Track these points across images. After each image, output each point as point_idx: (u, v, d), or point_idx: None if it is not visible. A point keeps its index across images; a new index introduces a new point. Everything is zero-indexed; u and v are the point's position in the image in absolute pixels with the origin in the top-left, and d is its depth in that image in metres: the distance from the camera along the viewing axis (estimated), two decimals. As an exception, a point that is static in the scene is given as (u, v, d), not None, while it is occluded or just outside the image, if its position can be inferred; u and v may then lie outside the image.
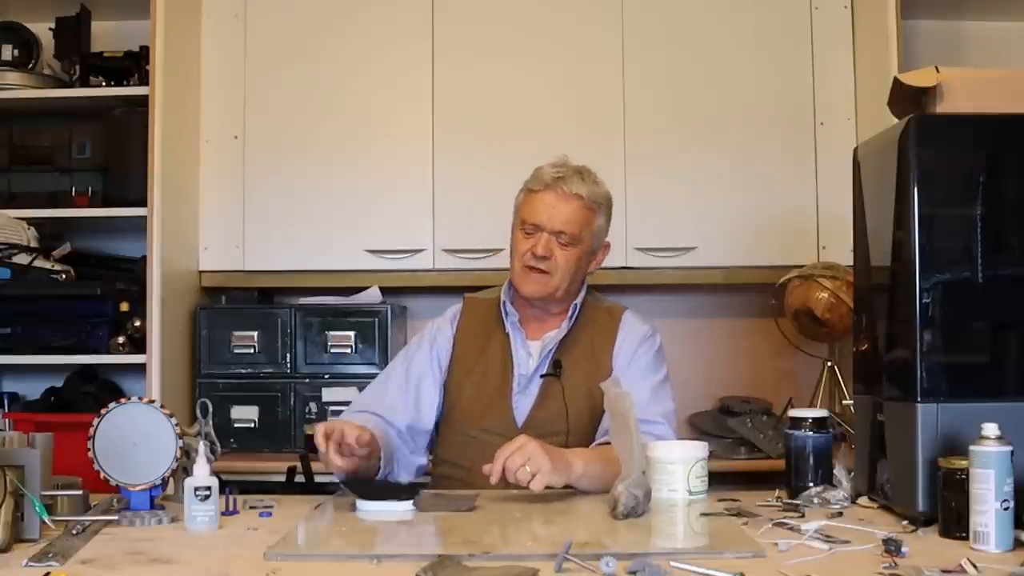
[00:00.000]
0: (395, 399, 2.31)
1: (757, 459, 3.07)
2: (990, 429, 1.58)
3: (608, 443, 2.04)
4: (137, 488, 1.86)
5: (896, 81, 1.92)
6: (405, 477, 2.26)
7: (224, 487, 1.87)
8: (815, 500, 1.94)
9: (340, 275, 3.36)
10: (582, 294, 2.35)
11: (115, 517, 1.81)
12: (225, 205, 3.35)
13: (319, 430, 2.02)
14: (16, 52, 3.32)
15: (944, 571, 1.42)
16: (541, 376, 2.27)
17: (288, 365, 3.26)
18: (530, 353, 2.31)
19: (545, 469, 1.93)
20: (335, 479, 2.18)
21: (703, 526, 1.80)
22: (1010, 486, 1.57)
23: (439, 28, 3.34)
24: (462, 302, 2.42)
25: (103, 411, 1.89)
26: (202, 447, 1.83)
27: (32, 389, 3.40)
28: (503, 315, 2.33)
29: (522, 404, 2.26)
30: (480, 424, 2.26)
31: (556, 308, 2.33)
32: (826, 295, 3.01)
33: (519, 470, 1.93)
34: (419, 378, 2.33)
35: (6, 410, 3.24)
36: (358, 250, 3.32)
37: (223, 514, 1.85)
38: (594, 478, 2.05)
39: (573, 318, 2.31)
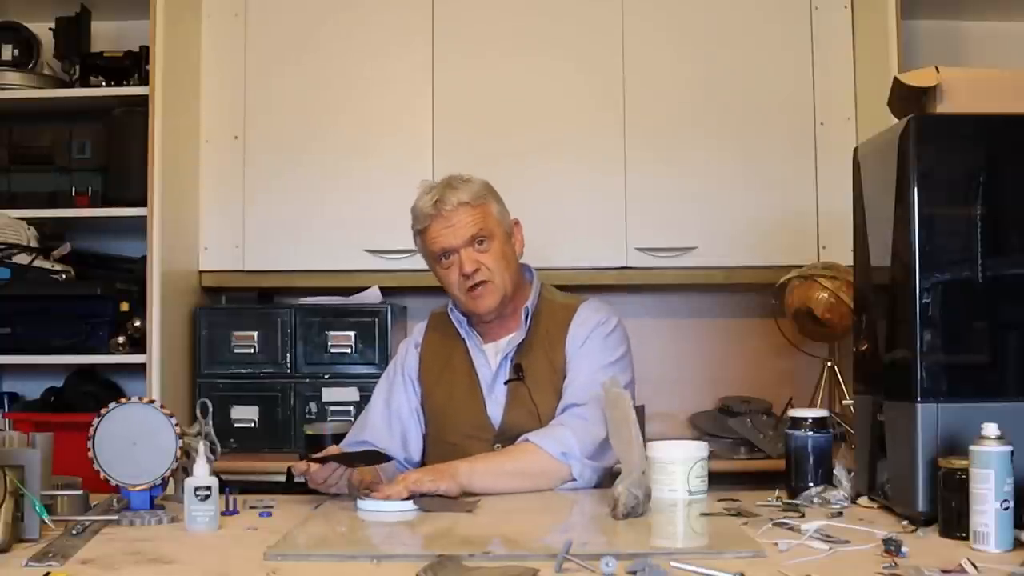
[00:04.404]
0: (381, 432, 2.32)
1: (757, 459, 3.07)
2: (990, 429, 1.58)
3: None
4: (137, 488, 1.87)
5: (896, 81, 1.92)
6: None
7: (224, 487, 1.87)
8: (815, 500, 1.94)
9: (340, 275, 3.35)
10: (534, 296, 2.34)
11: (115, 517, 1.81)
12: (225, 205, 3.35)
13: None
14: (16, 52, 3.31)
15: (944, 571, 1.42)
16: (504, 383, 2.27)
17: (288, 365, 3.25)
18: (487, 357, 2.31)
19: (425, 480, 1.96)
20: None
21: (703, 526, 1.80)
22: (1010, 486, 1.57)
23: (439, 28, 3.33)
24: (428, 319, 2.44)
25: (103, 411, 1.90)
26: (202, 447, 1.83)
27: (32, 389, 3.40)
28: (456, 324, 2.34)
29: (493, 409, 2.27)
30: (458, 431, 2.27)
31: (512, 306, 2.32)
32: (826, 295, 3.00)
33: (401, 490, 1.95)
34: (399, 412, 2.34)
35: (6, 410, 3.24)
36: (358, 250, 3.31)
37: (223, 514, 1.85)
38: (487, 473, 2.07)
39: (527, 321, 2.30)
